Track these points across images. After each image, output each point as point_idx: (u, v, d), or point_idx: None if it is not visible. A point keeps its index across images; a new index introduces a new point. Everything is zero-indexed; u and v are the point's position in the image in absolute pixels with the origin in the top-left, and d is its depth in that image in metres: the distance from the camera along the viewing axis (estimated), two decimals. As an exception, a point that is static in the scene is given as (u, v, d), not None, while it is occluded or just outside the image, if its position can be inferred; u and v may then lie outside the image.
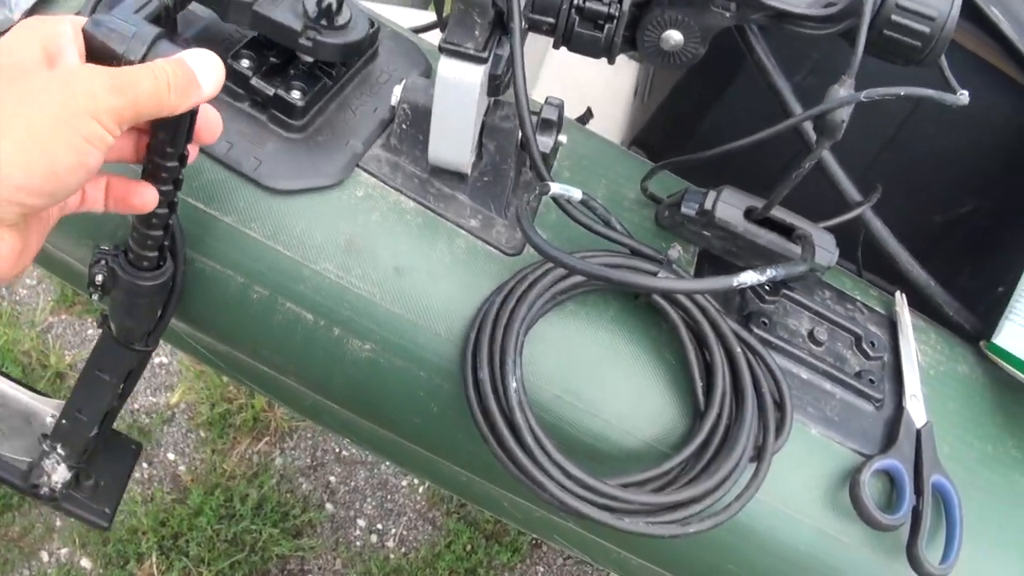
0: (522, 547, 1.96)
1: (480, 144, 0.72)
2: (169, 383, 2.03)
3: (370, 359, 0.69)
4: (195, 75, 0.52)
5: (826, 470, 0.74)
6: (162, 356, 2.06)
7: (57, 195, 0.48)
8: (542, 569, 1.99)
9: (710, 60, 0.87)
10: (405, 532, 1.95)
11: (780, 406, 0.72)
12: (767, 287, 0.79)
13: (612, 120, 1.28)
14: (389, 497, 1.98)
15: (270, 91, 0.69)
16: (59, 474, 0.80)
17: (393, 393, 0.70)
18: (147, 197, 0.58)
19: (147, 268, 0.65)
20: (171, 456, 1.94)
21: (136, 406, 1.98)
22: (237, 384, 2.00)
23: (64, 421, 0.77)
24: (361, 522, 1.94)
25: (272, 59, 0.70)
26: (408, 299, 0.68)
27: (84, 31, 0.51)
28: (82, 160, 0.48)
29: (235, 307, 0.69)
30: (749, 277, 0.59)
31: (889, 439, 0.76)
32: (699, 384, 0.70)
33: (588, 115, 1.23)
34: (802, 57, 0.93)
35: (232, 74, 0.69)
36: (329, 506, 1.94)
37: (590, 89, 1.31)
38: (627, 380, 0.71)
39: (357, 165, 0.71)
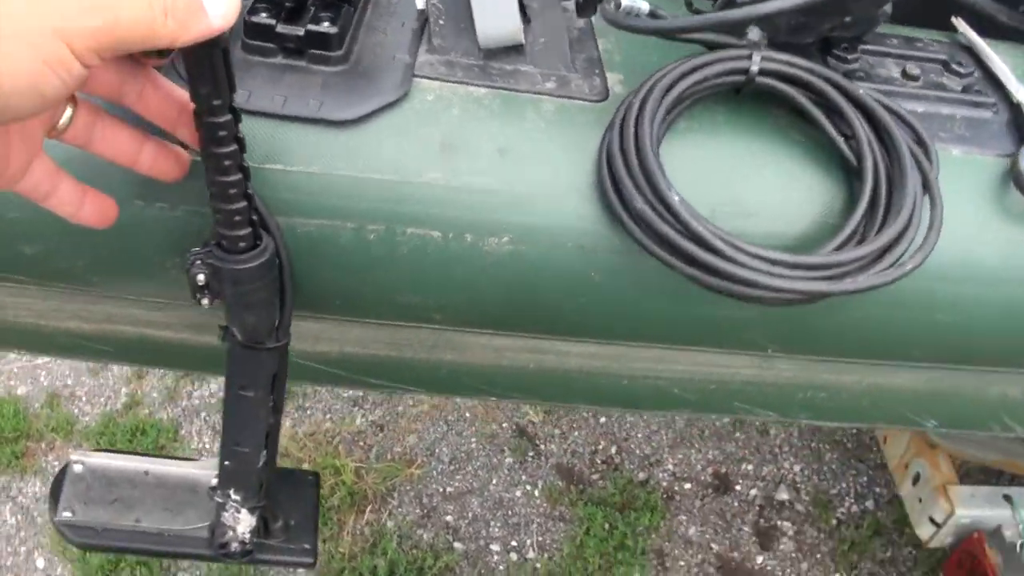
0: (657, 504, 1.91)
1: (522, 9, 0.68)
2: (253, 497, 1.96)
3: (512, 252, 0.64)
4: (201, 1, 0.47)
5: (984, 181, 0.71)
6: (235, 475, 1.99)
7: None
8: (684, 517, 1.93)
9: None
10: (540, 538, 1.88)
11: (919, 141, 0.69)
12: (845, 45, 0.75)
13: None
14: (510, 512, 1.92)
15: (300, 31, 0.64)
16: (243, 524, 0.74)
17: (548, 279, 0.66)
18: (112, 213, 0.58)
19: (244, 249, 0.60)
20: (286, 563, 1.86)
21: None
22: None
23: (227, 462, 0.71)
24: (495, 547, 1.87)
25: (287, 4, 0.66)
26: (524, 175, 0.64)
27: None
28: (36, 85, 0.43)
29: (355, 257, 0.64)
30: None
31: (1021, 133, 0.74)
32: (840, 141, 0.67)
33: None
34: None
35: (255, 29, 0.64)
36: (458, 544, 1.87)
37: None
38: (769, 171, 0.67)
39: (413, 75, 0.66)
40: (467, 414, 2.06)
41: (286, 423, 2.05)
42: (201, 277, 0.61)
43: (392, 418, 2.03)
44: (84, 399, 2.16)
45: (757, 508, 1.96)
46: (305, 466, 1.94)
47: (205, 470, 0.79)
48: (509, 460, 1.99)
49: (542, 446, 2.02)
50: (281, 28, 0.64)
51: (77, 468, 0.80)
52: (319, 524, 0.81)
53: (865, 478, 2.05)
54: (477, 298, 0.67)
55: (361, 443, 1.99)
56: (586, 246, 0.65)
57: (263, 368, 0.67)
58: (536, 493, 1.94)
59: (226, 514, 0.75)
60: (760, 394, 0.87)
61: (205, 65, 0.51)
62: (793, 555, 1.93)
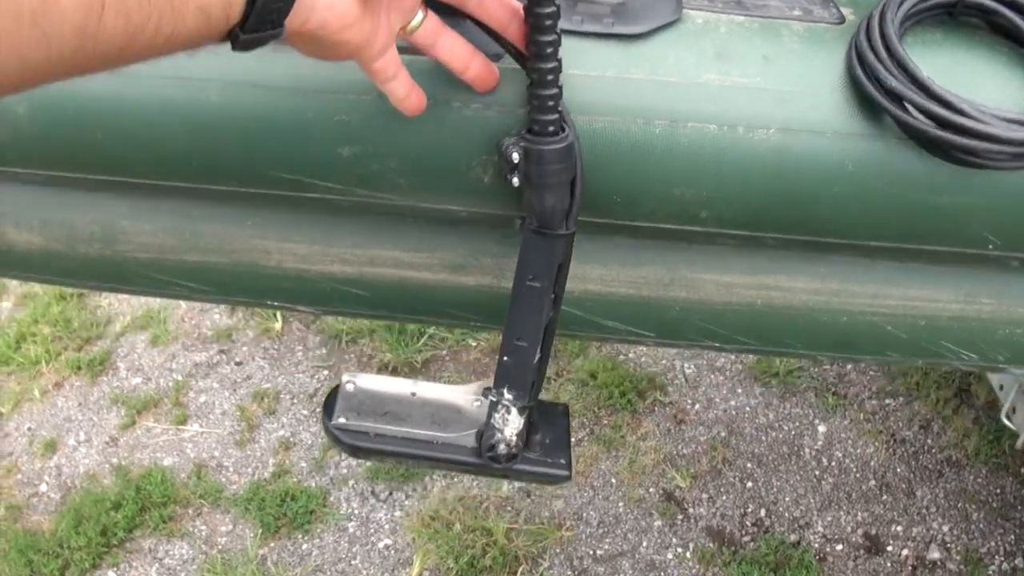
0: (811, 564, 1.90)
1: (769, -49, 0.81)
2: (403, 559, 2.00)
3: (777, 144, 0.74)
4: None
5: None
6: (385, 539, 2.04)
7: None
8: (839, 578, 1.91)
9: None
10: (694, 598, 1.88)
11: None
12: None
13: None
14: (663, 574, 1.92)
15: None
16: (512, 425, 0.81)
17: (807, 169, 0.75)
18: (424, 104, 0.70)
19: (552, 133, 0.71)
20: (441, 623, 1.89)
21: (384, 595, 1.95)
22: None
23: (506, 358, 0.79)
24: (650, 607, 1.88)
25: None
26: (786, 75, 0.75)
27: None
28: None
29: (639, 150, 0.75)
30: None
31: None
32: None
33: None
34: None
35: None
36: (613, 604, 1.88)
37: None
38: (987, 72, 0.77)
39: (682, 7, 0.78)
40: (612, 480, 2.10)
41: (436, 486, 2.11)
42: (515, 155, 0.71)
43: (538, 484, 2.07)
44: (231, 469, 2.24)
45: (910, 568, 1.94)
46: (456, 527, 1.99)
47: (467, 393, 0.87)
48: (658, 523, 2.01)
49: (691, 509, 2.04)
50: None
51: (349, 387, 0.88)
52: (571, 445, 0.87)
53: (1012, 536, 2.01)
54: (743, 190, 0.76)
55: (509, 508, 2.03)
56: (841, 136, 0.74)
57: (551, 257, 0.76)
58: (687, 555, 1.95)
59: (497, 415, 0.82)
60: (965, 331, 0.93)
61: None
62: (950, 618, 1.90)
